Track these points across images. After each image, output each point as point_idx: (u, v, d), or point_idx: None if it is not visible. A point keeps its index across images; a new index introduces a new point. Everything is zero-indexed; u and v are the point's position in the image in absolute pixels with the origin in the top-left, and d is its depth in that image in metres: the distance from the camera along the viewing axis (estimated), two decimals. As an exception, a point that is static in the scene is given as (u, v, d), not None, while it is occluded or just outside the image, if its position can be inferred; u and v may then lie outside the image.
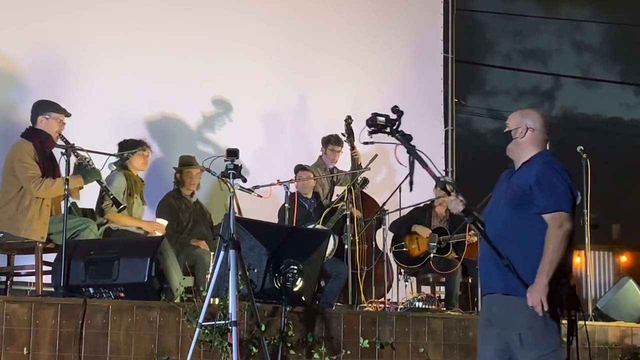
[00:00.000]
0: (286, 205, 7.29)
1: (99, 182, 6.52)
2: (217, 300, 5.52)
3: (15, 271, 6.63)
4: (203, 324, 5.16)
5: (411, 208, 8.04)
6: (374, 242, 7.86)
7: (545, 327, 4.06)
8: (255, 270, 5.72)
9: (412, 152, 4.26)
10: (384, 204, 7.83)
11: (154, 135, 8.19)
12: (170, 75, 8.37)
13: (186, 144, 8.34)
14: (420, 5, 10.34)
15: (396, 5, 10.02)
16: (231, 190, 5.22)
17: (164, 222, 6.92)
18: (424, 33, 10.27)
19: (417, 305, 7.14)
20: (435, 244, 7.80)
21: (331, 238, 6.99)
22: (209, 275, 6.23)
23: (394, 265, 8.15)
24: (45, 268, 6.23)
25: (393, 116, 4.29)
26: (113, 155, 6.71)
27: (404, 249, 8.02)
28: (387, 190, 8.17)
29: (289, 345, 5.76)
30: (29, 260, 6.34)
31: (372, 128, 4.28)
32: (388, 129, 4.29)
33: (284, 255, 5.81)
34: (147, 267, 5.67)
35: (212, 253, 6.71)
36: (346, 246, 7.33)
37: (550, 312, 4.03)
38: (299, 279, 5.78)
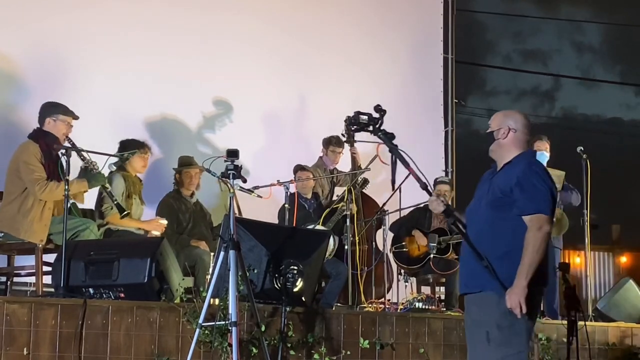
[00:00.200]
0: (286, 205, 7.29)
1: (104, 187, 6.52)
2: (217, 301, 5.51)
3: (15, 272, 6.63)
4: (203, 324, 5.16)
5: (411, 208, 8.04)
6: (374, 243, 7.86)
7: (513, 327, 4.06)
8: (255, 271, 5.72)
9: (394, 151, 4.26)
10: (384, 204, 7.83)
11: (154, 136, 8.20)
12: (170, 76, 8.37)
13: (186, 145, 8.34)
14: (420, 6, 10.34)
15: (396, 6, 10.01)
16: (231, 190, 5.21)
17: (164, 221, 6.92)
18: (424, 33, 10.27)
19: (417, 306, 7.14)
20: (435, 245, 7.80)
21: (331, 238, 6.99)
22: (209, 276, 6.23)
23: (394, 266, 8.14)
24: (45, 268, 6.22)
25: (376, 115, 4.26)
26: (113, 155, 6.70)
27: (404, 250, 8.02)
28: (387, 190, 8.16)
29: (289, 345, 5.76)
30: (29, 260, 6.34)
31: (355, 127, 4.26)
32: (371, 128, 4.25)
33: (284, 255, 5.81)
34: (147, 268, 5.67)
35: (212, 253, 6.71)
36: (346, 246, 7.33)
37: (528, 313, 4.03)
38: (299, 279, 5.78)
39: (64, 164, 6.01)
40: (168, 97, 8.43)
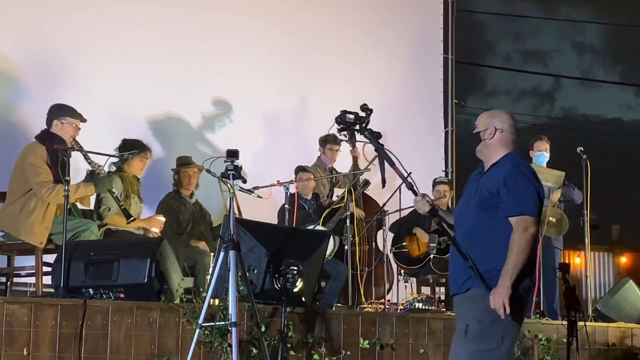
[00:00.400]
0: (286, 206, 7.29)
1: (110, 191, 6.52)
2: (217, 301, 5.51)
3: (15, 272, 6.63)
4: (203, 324, 5.16)
5: (411, 209, 8.03)
6: (374, 243, 7.86)
7: (493, 324, 4.04)
8: (255, 271, 5.72)
9: (380, 150, 4.27)
10: (384, 204, 7.83)
11: (154, 136, 8.20)
12: (170, 76, 8.37)
13: (186, 145, 8.34)
14: (420, 6, 10.34)
15: (396, 6, 10.01)
16: (231, 191, 5.21)
17: (162, 218, 6.92)
18: (424, 34, 10.27)
19: (417, 306, 7.14)
20: (435, 245, 7.79)
21: (331, 239, 6.99)
22: (209, 276, 6.23)
23: (394, 266, 8.15)
24: (45, 269, 6.23)
25: (362, 114, 4.26)
26: (112, 155, 6.70)
27: (404, 250, 8.02)
28: (387, 191, 8.16)
29: (289, 346, 5.76)
30: (29, 261, 6.34)
31: (341, 126, 4.26)
32: (357, 127, 4.24)
33: (283, 256, 5.81)
34: (147, 268, 5.67)
35: (212, 254, 6.71)
36: (346, 247, 7.33)
37: (513, 314, 4.01)
38: (299, 279, 5.78)
39: (65, 163, 6.01)
40: (168, 97, 8.43)
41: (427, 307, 7.22)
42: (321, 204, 7.96)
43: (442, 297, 8.04)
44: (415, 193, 4.29)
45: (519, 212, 4.07)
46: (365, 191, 8.11)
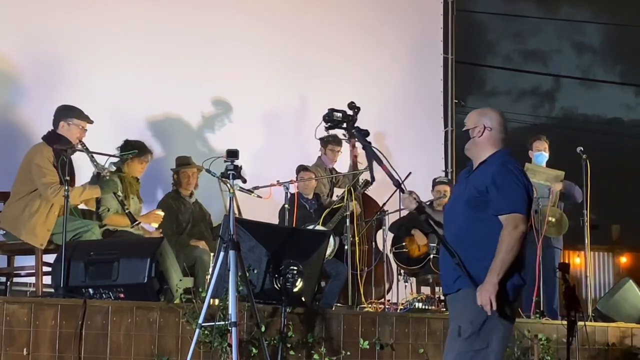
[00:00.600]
0: (286, 206, 7.29)
1: (116, 194, 6.53)
2: (216, 301, 5.51)
3: (15, 272, 6.63)
4: (203, 324, 5.16)
5: (411, 209, 8.03)
6: (374, 243, 7.86)
7: (486, 324, 4.04)
8: (255, 271, 5.72)
9: (368, 148, 4.26)
10: (384, 204, 7.82)
11: (154, 136, 8.20)
12: (170, 76, 8.37)
13: (186, 145, 8.34)
14: (420, 6, 10.34)
15: (396, 6, 10.01)
16: (231, 191, 5.21)
17: (161, 212, 6.92)
18: (424, 34, 10.27)
19: (417, 306, 7.14)
20: (435, 245, 7.79)
21: (331, 239, 6.99)
22: (209, 276, 6.23)
23: (394, 266, 8.15)
24: (45, 269, 6.23)
25: (350, 112, 4.26)
26: (112, 155, 6.71)
27: (404, 250, 8.02)
28: (387, 191, 8.16)
29: (288, 346, 5.76)
30: (29, 261, 6.34)
31: (329, 124, 4.26)
32: (345, 125, 4.24)
33: (283, 256, 5.81)
34: (147, 268, 5.67)
35: (211, 254, 6.71)
36: (346, 247, 7.33)
37: (499, 312, 4.01)
38: (299, 279, 5.78)
39: (65, 163, 6.01)
40: (168, 97, 8.43)
41: (427, 307, 7.22)
42: (322, 203, 7.96)
43: (442, 297, 8.03)
44: (402, 191, 4.29)
45: (509, 210, 4.06)
46: (365, 191, 8.10)
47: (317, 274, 6.23)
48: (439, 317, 6.62)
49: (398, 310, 7.02)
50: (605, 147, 21.36)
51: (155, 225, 6.86)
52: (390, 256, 8.13)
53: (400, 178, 4.26)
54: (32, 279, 6.43)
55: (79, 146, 6.32)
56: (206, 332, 5.43)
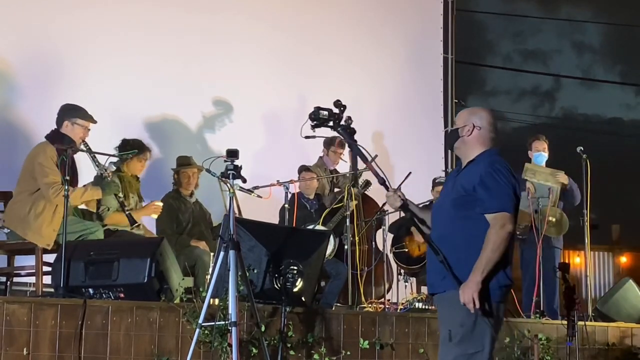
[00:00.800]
0: (286, 206, 7.29)
1: (117, 196, 6.53)
2: (217, 301, 5.51)
3: (15, 272, 6.63)
4: (203, 324, 5.16)
5: (411, 208, 8.03)
6: (374, 243, 7.86)
7: (476, 326, 4.00)
8: (255, 271, 5.72)
9: (354, 146, 4.26)
10: (384, 204, 7.81)
11: (154, 136, 8.20)
12: (170, 76, 8.37)
13: (186, 145, 8.34)
14: (420, 6, 10.34)
15: (396, 6, 10.02)
16: (231, 190, 5.21)
17: (160, 203, 6.92)
18: (424, 34, 10.28)
19: (416, 306, 7.15)
20: (435, 245, 7.78)
21: (331, 239, 6.99)
22: (209, 276, 6.23)
23: (394, 266, 8.15)
24: (45, 269, 6.22)
25: (336, 110, 4.25)
26: (114, 155, 6.71)
27: (404, 250, 8.02)
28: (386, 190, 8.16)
29: (288, 345, 5.76)
30: (29, 260, 6.34)
31: (315, 122, 4.25)
32: (331, 123, 4.24)
33: (283, 255, 5.81)
34: (147, 268, 5.67)
35: (212, 253, 6.71)
36: (346, 247, 7.33)
37: (484, 311, 3.98)
38: (299, 279, 5.78)
39: (65, 162, 6.00)
40: (168, 97, 8.43)
41: (426, 307, 7.22)
42: (323, 204, 7.96)
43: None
44: (387, 188, 4.29)
45: (496, 209, 4.02)
46: (365, 192, 8.10)
47: (317, 274, 6.23)
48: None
49: (398, 310, 7.03)
50: (605, 147, 21.37)
51: (155, 216, 6.87)
52: (390, 256, 8.13)
53: (385, 176, 4.27)
54: (32, 279, 6.42)
55: (82, 146, 6.32)
56: (206, 331, 5.43)
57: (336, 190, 8.39)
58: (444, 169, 10.02)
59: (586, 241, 8.09)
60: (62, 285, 5.68)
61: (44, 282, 6.22)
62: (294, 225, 7.31)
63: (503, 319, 4.17)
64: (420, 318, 6.46)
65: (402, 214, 7.94)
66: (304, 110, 9.67)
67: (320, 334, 5.99)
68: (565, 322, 6.14)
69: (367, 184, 8.03)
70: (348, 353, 6.04)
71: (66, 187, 5.90)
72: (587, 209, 7.93)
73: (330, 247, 7.21)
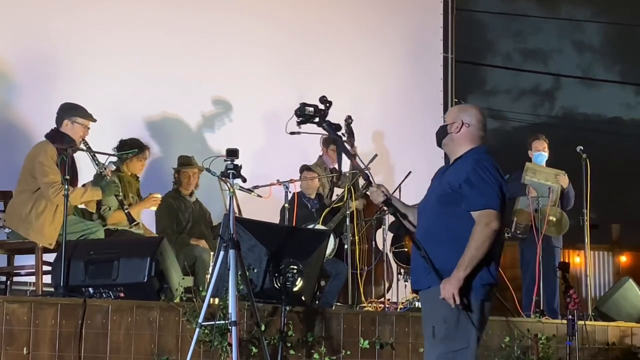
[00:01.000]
0: (286, 205, 7.29)
1: (117, 196, 6.53)
2: (217, 300, 5.51)
3: (15, 271, 6.63)
4: (203, 323, 5.16)
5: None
6: (374, 242, 7.86)
7: (459, 322, 3.98)
8: (255, 270, 5.72)
9: (338, 142, 4.26)
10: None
11: (154, 135, 8.20)
12: (170, 76, 8.37)
13: (186, 144, 8.34)
14: (420, 5, 10.34)
15: (396, 5, 10.02)
16: (231, 190, 5.21)
17: (158, 195, 6.93)
18: (424, 33, 10.27)
19: (417, 305, 7.14)
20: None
21: (331, 238, 6.98)
22: (209, 275, 6.23)
23: (394, 265, 8.15)
24: (45, 268, 6.22)
25: (321, 106, 4.26)
26: (113, 155, 6.71)
27: (404, 249, 8.02)
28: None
29: (288, 345, 5.76)
30: (29, 260, 6.34)
31: (301, 118, 4.26)
32: (316, 119, 4.24)
33: (283, 255, 5.81)
34: (147, 267, 5.67)
35: (212, 253, 6.71)
36: (346, 246, 7.33)
37: (464, 306, 3.96)
38: (299, 278, 5.78)
39: (65, 162, 6.00)
40: (168, 96, 8.43)
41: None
42: (324, 204, 7.96)
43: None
44: (370, 184, 4.31)
45: (482, 206, 4.00)
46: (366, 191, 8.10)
47: (317, 273, 6.23)
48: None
49: (398, 310, 7.03)
50: (605, 146, 21.36)
51: (154, 208, 6.87)
52: (390, 255, 8.13)
53: (370, 174, 4.29)
54: (32, 278, 6.42)
55: (82, 145, 6.32)
56: (206, 331, 5.43)
57: (336, 189, 8.39)
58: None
59: (586, 241, 8.08)
60: (62, 285, 5.68)
61: (44, 281, 6.22)
62: (294, 224, 7.31)
63: (488, 318, 4.14)
64: (420, 317, 6.41)
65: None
66: (304, 109, 9.65)
67: (320, 333, 5.99)
68: (565, 321, 6.14)
69: (369, 183, 8.02)
70: (348, 352, 6.04)
71: (66, 187, 5.89)
72: (587, 209, 7.92)
73: (331, 247, 7.21)
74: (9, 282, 6.72)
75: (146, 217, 7.24)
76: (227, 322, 5.04)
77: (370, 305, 7.29)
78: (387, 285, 8.05)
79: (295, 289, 5.77)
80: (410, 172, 7.54)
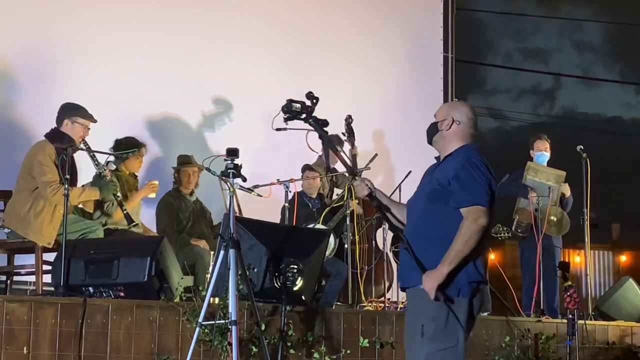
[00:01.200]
0: (286, 205, 7.29)
1: (115, 196, 6.53)
2: (217, 300, 5.51)
3: (15, 270, 6.63)
4: (203, 323, 5.16)
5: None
6: (374, 242, 7.86)
7: (448, 321, 3.96)
8: (255, 270, 5.72)
9: (325, 138, 4.25)
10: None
11: (154, 135, 8.20)
12: (170, 75, 8.37)
13: (186, 144, 8.33)
14: (420, 5, 10.34)
15: (396, 5, 10.02)
16: (231, 189, 5.21)
17: (156, 182, 6.94)
18: (424, 32, 10.27)
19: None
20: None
21: (331, 237, 6.98)
22: (209, 275, 6.23)
23: (394, 265, 8.14)
24: (45, 267, 6.23)
25: (308, 103, 4.26)
26: (114, 154, 6.71)
27: (404, 249, 8.01)
28: (387, 189, 8.16)
29: (289, 344, 5.76)
30: (29, 259, 6.34)
31: (288, 115, 4.26)
32: (303, 115, 4.24)
33: (283, 254, 5.81)
34: (147, 267, 5.67)
35: (212, 252, 6.71)
36: (346, 245, 7.33)
37: (454, 307, 3.96)
38: (299, 278, 5.78)
39: (65, 162, 6.00)
40: (168, 96, 8.43)
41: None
42: (325, 203, 7.96)
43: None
44: (354, 177, 4.32)
45: (470, 203, 3.99)
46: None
47: (317, 273, 6.23)
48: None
49: (398, 309, 7.02)
50: (605, 145, 21.37)
51: (153, 195, 6.87)
52: (390, 255, 8.13)
53: (356, 167, 4.27)
54: (32, 278, 6.43)
55: (82, 145, 6.32)
56: (206, 330, 5.43)
57: (336, 189, 8.39)
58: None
59: (586, 240, 8.08)
60: (62, 284, 5.68)
61: (44, 280, 6.22)
62: (294, 224, 7.31)
63: (475, 317, 4.11)
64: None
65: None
66: (304, 109, 9.64)
67: (320, 332, 5.99)
68: (565, 320, 6.14)
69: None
70: (348, 352, 6.04)
71: (66, 186, 5.89)
72: (587, 208, 7.92)
73: (331, 246, 7.21)
74: (9, 281, 6.72)
75: (146, 217, 7.24)
76: (227, 321, 5.04)
77: (370, 304, 7.29)
78: (387, 284, 8.05)
79: (296, 288, 5.77)
80: (410, 171, 7.53)
